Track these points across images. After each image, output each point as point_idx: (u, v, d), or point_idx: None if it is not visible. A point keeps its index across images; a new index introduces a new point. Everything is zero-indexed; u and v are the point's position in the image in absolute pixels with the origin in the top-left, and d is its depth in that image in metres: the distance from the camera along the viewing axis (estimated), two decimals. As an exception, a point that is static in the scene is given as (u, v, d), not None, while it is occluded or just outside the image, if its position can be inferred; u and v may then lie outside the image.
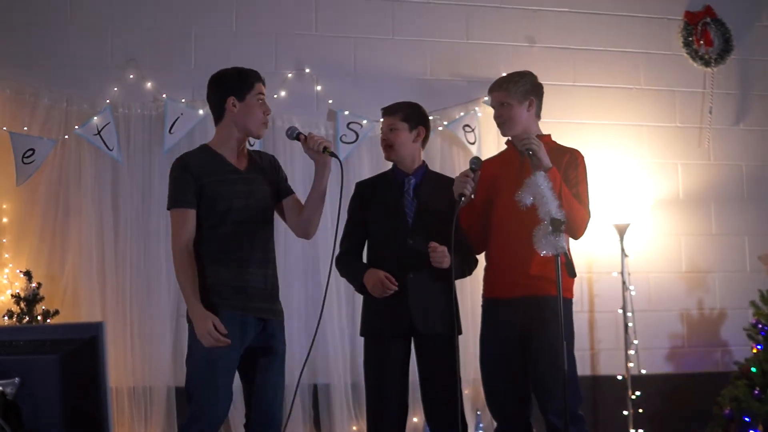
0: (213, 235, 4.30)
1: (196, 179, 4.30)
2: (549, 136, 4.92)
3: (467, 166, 4.70)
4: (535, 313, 4.56)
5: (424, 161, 4.95)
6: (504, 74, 5.07)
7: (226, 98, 4.38)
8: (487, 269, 4.92)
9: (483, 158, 5.04)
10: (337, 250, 4.88)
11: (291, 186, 4.61)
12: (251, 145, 4.59)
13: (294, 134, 4.45)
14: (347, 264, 4.90)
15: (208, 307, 4.22)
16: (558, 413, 4.54)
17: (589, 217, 4.75)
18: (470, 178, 4.64)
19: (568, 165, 4.76)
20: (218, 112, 4.43)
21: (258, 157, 4.54)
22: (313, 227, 4.54)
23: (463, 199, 4.61)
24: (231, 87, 4.40)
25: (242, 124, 4.39)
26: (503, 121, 4.85)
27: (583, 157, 4.83)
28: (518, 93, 4.82)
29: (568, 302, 4.82)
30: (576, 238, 4.79)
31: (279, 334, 4.45)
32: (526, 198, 4.37)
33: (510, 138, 4.93)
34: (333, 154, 4.36)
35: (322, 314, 4.55)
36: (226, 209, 4.29)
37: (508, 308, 4.71)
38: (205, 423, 4.19)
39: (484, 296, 4.93)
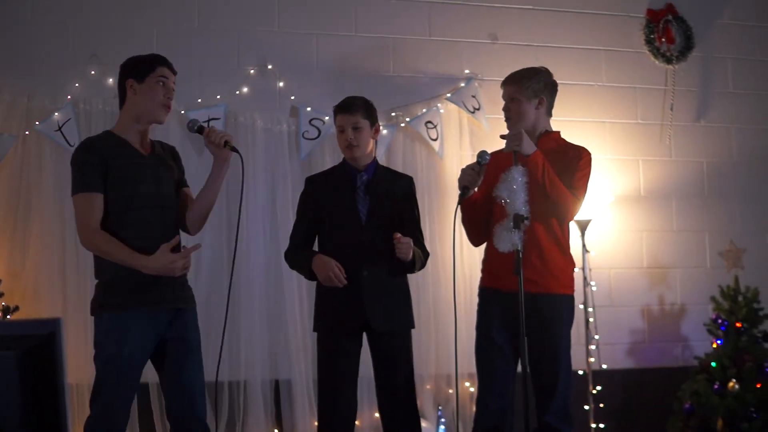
0: (118, 221, 4.16)
1: (102, 163, 4.16)
2: (558, 132, 4.94)
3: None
4: (536, 312, 4.53)
5: (375, 157, 4.92)
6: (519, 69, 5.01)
7: (125, 81, 4.29)
8: (487, 260, 4.91)
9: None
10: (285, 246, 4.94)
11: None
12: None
13: (195, 127, 4.37)
14: (295, 255, 4.86)
15: (113, 306, 4.11)
16: (555, 413, 4.58)
17: (576, 202, 4.74)
18: (476, 172, 4.65)
19: (572, 158, 4.80)
20: (121, 96, 4.33)
21: (160, 145, 4.44)
22: (202, 222, 4.46)
23: (467, 191, 4.62)
24: (131, 70, 4.31)
25: (141, 106, 4.27)
26: (510, 116, 4.86)
27: (588, 153, 4.89)
28: (529, 89, 4.83)
29: (570, 298, 4.85)
30: (563, 220, 4.80)
31: (192, 323, 4.33)
32: (503, 192, 4.41)
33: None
34: (234, 149, 4.30)
35: (228, 308, 4.50)
36: (132, 194, 4.17)
37: (508, 301, 4.58)
38: (111, 424, 4.09)
39: (482, 285, 4.91)
